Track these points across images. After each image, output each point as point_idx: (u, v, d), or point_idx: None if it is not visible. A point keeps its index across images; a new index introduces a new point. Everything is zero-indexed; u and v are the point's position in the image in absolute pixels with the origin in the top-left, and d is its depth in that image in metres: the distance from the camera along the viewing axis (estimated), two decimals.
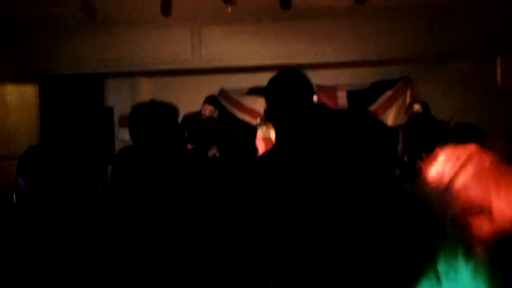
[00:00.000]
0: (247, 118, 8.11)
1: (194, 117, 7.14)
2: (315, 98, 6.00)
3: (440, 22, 7.64)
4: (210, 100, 7.31)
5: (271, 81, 2.72)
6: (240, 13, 6.81)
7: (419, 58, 7.95)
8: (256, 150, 3.97)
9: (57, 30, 8.11)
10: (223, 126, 4.21)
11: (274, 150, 2.72)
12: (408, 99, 8.03)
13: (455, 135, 3.33)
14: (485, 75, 7.97)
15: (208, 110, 7.32)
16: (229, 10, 6.38)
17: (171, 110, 2.87)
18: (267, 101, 2.73)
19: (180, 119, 6.75)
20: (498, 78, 7.95)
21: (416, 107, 6.88)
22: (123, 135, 8.15)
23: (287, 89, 2.64)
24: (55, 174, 2.99)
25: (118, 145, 7.88)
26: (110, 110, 8.21)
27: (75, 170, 3.26)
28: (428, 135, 3.60)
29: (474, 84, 7.85)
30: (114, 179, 3.16)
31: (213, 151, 6.65)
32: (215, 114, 7.46)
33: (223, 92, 8.41)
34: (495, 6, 7.28)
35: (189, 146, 6.87)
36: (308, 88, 2.71)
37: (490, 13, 7.41)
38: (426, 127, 3.79)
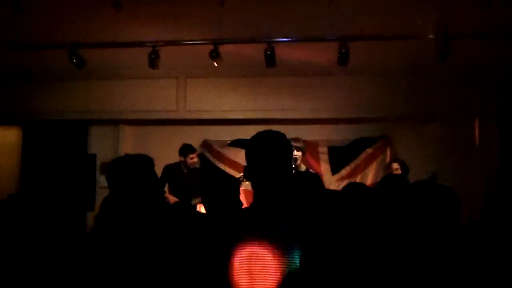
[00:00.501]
0: (229, 170, 8.17)
1: (175, 168, 7.14)
2: (300, 154, 6.12)
3: (419, 84, 7.84)
4: (190, 149, 7.29)
5: (252, 141, 2.78)
6: (225, 67, 6.95)
7: (399, 118, 8.13)
8: (240, 203, 4.01)
9: (44, 76, 8.24)
10: (208, 180, 4.25)
11: (251, 208, 2.77)
12: (388, 158, 8.15)
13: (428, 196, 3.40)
14: (463, 136, 8.14)
15: (196, 158, 7.30)
16: (216, 65, 6.50)
17: (146, 161, 2.91)
18: (247, 161, 2.79)
19: (161, 169, 6.80)
20: (476, 140, 8.13)
21: (395, 166, 6.98)
22: (104, 182, 8.10)
23: (267, 151, 2.67)
24: (31, 224, 3.02)
25: (98, 192, 7.85)
26: (93, 156, 8.22)
27: (51, 219, 3.28)
28: (400, 196, 3.65)
29: (453, 145, 8.02)
30: (95, 228, 3.17)
31: (196, 201, 6.68)
32: (197, 164, 7.49)
33: (206, 143, 8.49)
34: (473, 71, 7.53)
35: (172, 198, 6.89)
36: (287, 150, 2.78)
37: (468, 77, 7.66)
38: (398, 188, 3.85)
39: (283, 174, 2.66)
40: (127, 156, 2.95)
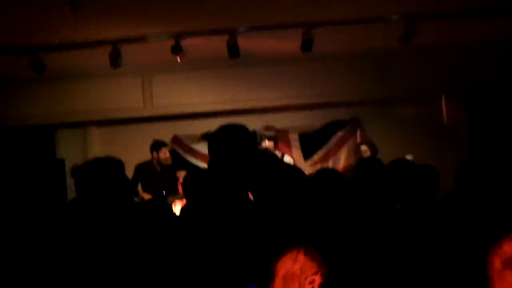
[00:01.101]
0: (200, 163, 8.12)
1: (147, 167, 7.03)
2: (271, 144, 6.07)
3: (385, 67, 7.93)
4: (161, 143, 7.18)
5: (213, 135, 2.77)
6: (190, 61, 6.88)
7: (366, 101, 8.19)
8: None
9: (6, 83, 8.01)
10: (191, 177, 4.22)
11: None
12: (358, 139, 8.19)
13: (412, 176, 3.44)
14: (431, 115, 8.28)
15: (167, 152, 7.18)
16: (178, 60, 6.42)
17: (115, 164, 2.86)
18: (210, 155, 2.78)
19: (132, 168, 6.70)
20: (444, 118, 8.25)
21: (364, 148, 7.00)
22: None
23: (228, 146, 2.72)
24: (5, 233, 2.97)
25: (70, 196, 7.72)
26: (61, 161, 8.08)
27: (25, 227, 3.22)
28: (377, 180, 3.67)
29: (422, 125, 8.15)
30: (64, 230, 3.12)
31: (171, 199, 6.58)
32: (169, 161, 7.39)
33: (176, 139, 8.40)
34: (438, 50, 7.60)
35: (147, 196, 6.81)
36: (249, 142, 2.78)
37: (433, 57, 7.73)
38: (374, 172, 3.86)
39: (246, 166, 2.69)
40: (96, 159, 2.90)
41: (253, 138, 2.87)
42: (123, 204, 2.84)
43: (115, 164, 2.85)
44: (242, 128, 2.80)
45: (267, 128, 6.16)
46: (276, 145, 6.33)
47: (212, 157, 2.79)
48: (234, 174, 2.68)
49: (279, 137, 6.59)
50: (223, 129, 2.79)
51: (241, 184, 2.67)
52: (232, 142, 2.73)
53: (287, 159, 6.39)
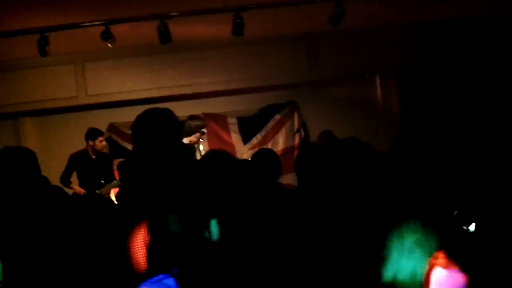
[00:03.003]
0: None
1: (81, 156, 6.93)
2: (204, 128, 6.05)
3: (318, 49, 8.02)
4: (98, 132, 7.08)
5: (136, 122, 2.74)
6: (123, 48, 6.81)
7: (302, 83, 8.27)
8: None
9: None
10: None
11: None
12: (296, 122, 8.32)
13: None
14: (366, 95, 8.42)
15: (104, 140, 7.09)
16: (110, 46, 6.35)
17: (25, 154, 2.87)
18: (133, 142, 2.76)
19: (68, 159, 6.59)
20: (379, 97, 8.41)
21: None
22: None
23: (151, 131, 2.68)
24: None
25: None
26: None
27: None
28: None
29: (357, 105, 8.29)
30: None
31: (107, 188, 6.55)
32: (106, 149, 7.33)
33: (113, 127, 8.30)
34: (369, 31, 7.74)
35: (76, 188, 6.74)
36: (173, 128, 2.77)
37: (365, 38, 7.85)
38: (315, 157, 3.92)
39: (170, 150, 2.69)
40: (5, 148, 3.02)
41: (177, 122, 2.85)
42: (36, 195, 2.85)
43: (27, 155, 2.85)
44: (165, 112, 2.76)
45: (192, 117, 6.05)
46: (202, 135, 6.19)
47: (135, 142, 2.77)
48: (157, 159, 2.67)
49: (205, 125, 6.45)
50: (146, 113, 2.77)
51: (165, 169, 2.66)
52: (154, 127, 2.69)
53: (202, 147, 6.37)
